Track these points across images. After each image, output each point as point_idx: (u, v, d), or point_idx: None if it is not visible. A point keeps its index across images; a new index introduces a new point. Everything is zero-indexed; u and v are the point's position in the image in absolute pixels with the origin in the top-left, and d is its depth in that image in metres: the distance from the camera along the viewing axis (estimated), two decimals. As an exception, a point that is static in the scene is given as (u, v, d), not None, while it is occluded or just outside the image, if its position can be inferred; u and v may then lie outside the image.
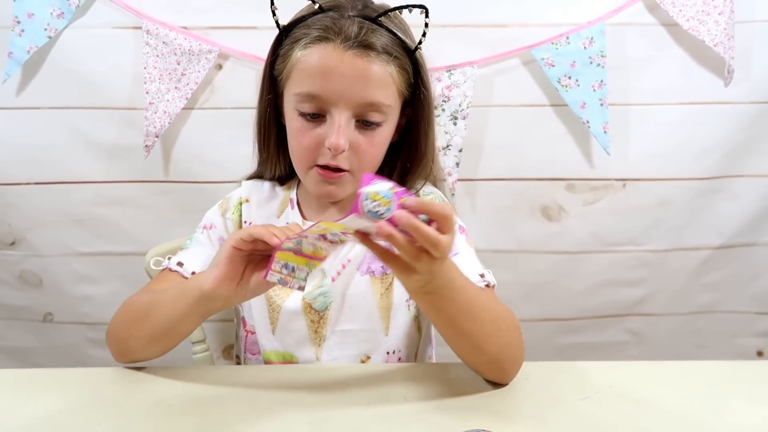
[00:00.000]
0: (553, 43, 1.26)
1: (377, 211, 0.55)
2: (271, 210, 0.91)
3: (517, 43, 1.28)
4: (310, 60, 0.76)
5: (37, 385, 0.75)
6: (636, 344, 1.45)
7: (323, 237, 0.63)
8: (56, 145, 1.35)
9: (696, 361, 0.84)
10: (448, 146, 1.29)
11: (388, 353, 0.86)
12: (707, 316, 1.44)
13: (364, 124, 0.78)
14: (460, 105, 1.27)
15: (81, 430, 0.65)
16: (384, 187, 0.55)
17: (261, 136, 0.89)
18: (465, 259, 0.81)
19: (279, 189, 0.93)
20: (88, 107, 1.33)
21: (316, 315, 0.85)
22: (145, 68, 1.28)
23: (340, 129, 0.76)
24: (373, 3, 0.83)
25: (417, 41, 0.82)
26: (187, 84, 1.29)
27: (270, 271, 0.65)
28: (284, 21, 0.84)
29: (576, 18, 1.26)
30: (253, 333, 0.90)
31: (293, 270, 0.66)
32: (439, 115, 1.28)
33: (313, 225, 0.61)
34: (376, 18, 0.77)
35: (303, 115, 0.78)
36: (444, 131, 1.28)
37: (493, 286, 0.81)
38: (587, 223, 1.36)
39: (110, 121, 1.33)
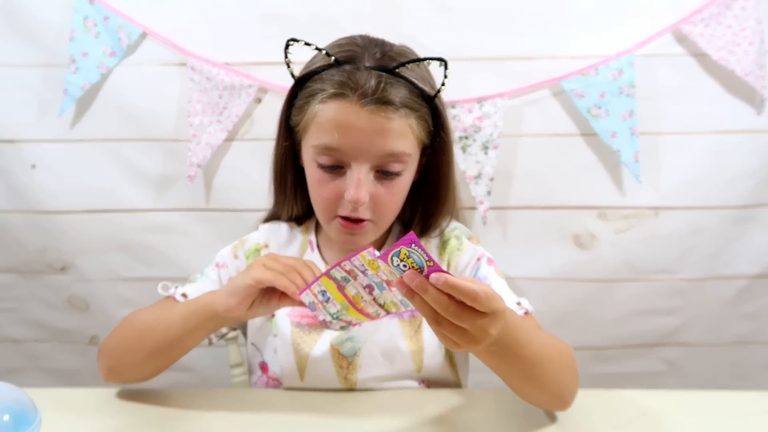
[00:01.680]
0: (582, 74, 1.28)
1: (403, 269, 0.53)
2: (291, 254, 0.90)
3: (546, 74, 1.31)
4: (326, 115, 0.75)
5: (83, 404, 0.79)
6: (672, 374, 1.42)
7: (370, 290, 0.62)
8: (105, 175, 1.42)
9: (735, 392, 0.82)
10: (479, 175, 1.32)
11: (422, 383, 0.86)
12: (745, 346, 1.42)
13: (383, 174, 0.77)
14: (490, 135, 1.30)
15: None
16: (419, 257, 0.51)
17: (278, 179, 0.89)
18: (497, 290, 0.81)
19: (297, 231, 0.92)
20: (136, 139, 1.40)
21: (345, 361, 0.83)
22: (189, 102, 1.35)
23: (359, 183, 0.75)
24: (391, 48, 0.80)
25: (437, 85, 0.80)
26: (228, 117, 1.36)
27: (307, 291, 0.65)
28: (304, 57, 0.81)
29: (604, 50, 1.29)
30: (276, 380, 0.89)
31: (328, 300, 0.65)
32: (470, 145, 1.31)
33: (348, 259, 0.60)
34: (394, 69, 0.75)
35: (322, 166, 0.77)
36: (475, 161, 1.31)
37: (531, 312, 0.81)
38: (619, 250, 1.36)
39: (156, 152, 1.40)
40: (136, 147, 1.41)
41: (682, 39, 1.28)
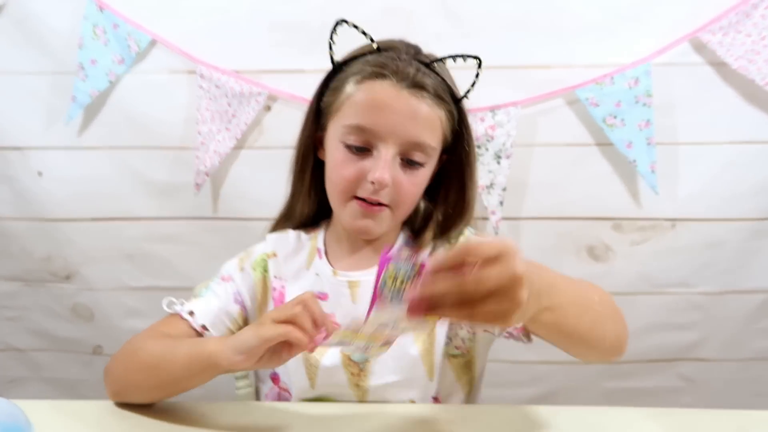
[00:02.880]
0: (597, 83, 1.26)
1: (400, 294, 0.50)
2: (299, 262, 0.88)
3: (560, 83, 1.28)
4: (364, 93, 0.77)
5: (84, 416, 0.76)
6: (690, 391, 1.39)
7: (383, 327, 0.59)
8: (112, 183, 1.40)
9: (755, 411, 0.79)
10: (491, 185, 1.29)
11: (434, 399, 0.84)
12: (765, 362, 1.38)
13: (407, 162, 0.79)
14: (503, 144, 1.28)
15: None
16: (402, 257, 0.50)
17: (297, 167, 0.89)
18: None
19: (305, 238, 0.91)
20: (143, 147, 1.39)
21: (356, 367, 0.82)
22: (197, 110, 1.34)
23: (386, 163, 0.76)
24: (422, 53, 0.84)
25: (463, 91, 0.83)
26: (237, 125, 1.34)
27: (326, 341, 0.64)
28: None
29: (620, 58, 1.27)
30: (286, 390, 0.88)
31: (350, 344, 0.64)
32: (482, 155, 1.29)
33: (342, 330, 0.61)
34: (431, 63, 0.79)
35: (348, 147, 0.79)
36: (487, 170, 1.29)
37: None
38: (635, 263, 1.33)
39: (163, 160, 1.39)
40: (144, 155, 1.39)
41: (700, 48, 1.26)
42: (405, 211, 0.83)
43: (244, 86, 1.32)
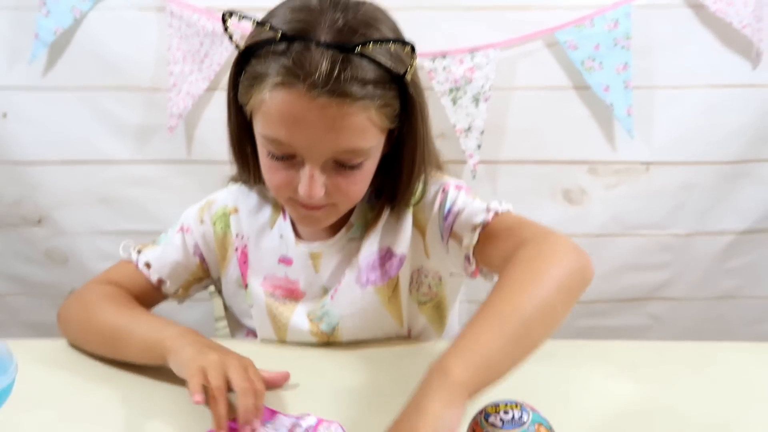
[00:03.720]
0: (577, 25, 1.25)
1: None
2: (262, 220, 0.82)
3: (540, 25, 1.27)
4: (273, 105, 0.63)
5: (60, 354, 0.76)
6: (657, 329, 1.44)
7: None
8: (82, 126, 1.36)
9: (720, 342, 0.82)
10: (469, 128, 1.29)
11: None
12: (730, 301, 1.43)
13: (342, 165, 0.67)
14: (482, 87, 1.27)
15: (107, 398, 0.67)
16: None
17: (236, 151, 0.77)
18: (469, 209, 0.72)
19: (269, 196, 0.83)
20: (113, 88, 1.34)
21: (325, 336, 0.79)
22: (168, 50, 1.30)
23: (312, 179, 0.65)
24: (355, 14, 0.65)
25: (409, 52, 0.65)
26: (210, 65, 1.30)
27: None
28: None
29: (601, 0, 1.25)
30: (256, 336, 0.86)
31: None
32: (461, 97, 1.28)
33: None
34: (352, 50, 0.62)
35: (272, 155, 0.67)
36: (465, 113, 1.28)
37: (508, 211, 0.71)
38: (609, 206, 1.35)
39: (135, 102, 1.35)
40: (114, 96, 1.35)
41: (680, -11, 1.25)
42: (351, 204, 0.74)
43: (216, 24, 1.27)
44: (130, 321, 0.73)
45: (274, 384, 0.69)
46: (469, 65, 1.27)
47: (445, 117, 1.28)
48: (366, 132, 0.65)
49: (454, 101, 1.28)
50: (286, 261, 0.80)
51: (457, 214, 0.72)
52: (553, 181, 1.35)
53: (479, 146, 1.29)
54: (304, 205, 0.70)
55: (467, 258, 0.71)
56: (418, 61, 0.66)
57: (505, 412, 0.52)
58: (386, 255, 0.78)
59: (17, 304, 1.51)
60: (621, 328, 1.42)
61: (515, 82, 1.30)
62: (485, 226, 0.69)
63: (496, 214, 0.70)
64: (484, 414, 0.52)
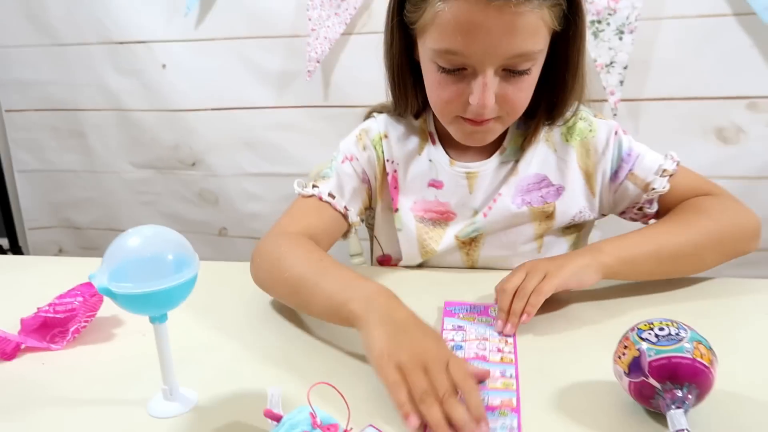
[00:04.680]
0: (740, -58, 1.13)
1: None
2: (411, 146, 0.83)
3: (695, -55, 1.16)
4: (448, 15, 0.65)
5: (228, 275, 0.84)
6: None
7: None
8: (229, 74, 1.46)
9: None
10: (611, 63, 1.22)
11: None
12: None
13: (511, 72, 0.68)
14: (627, 18, 1.19)
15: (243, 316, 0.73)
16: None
17: (394, 80, 0.79)
18: (648, 156, 0.77)
19: (414, 123, 0.84)
20: (257, 36, 1.42)
21: (469, 239, 0.82)
22: (307, -5, 1.34)
23: (486, 87, 0.67)
24: None
25: None
26: (347, 9, 1.33)
27: None
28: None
29: None
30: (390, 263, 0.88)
31: None
32: (603, 30, 1.21)
33: None
34: None
35: (443, 69, 0.69)
36: (608, 47, 1.21)
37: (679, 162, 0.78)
38: (770, 145, 1.23)
39: (276, 49, 1.42)
40: (258, 44, 1.43)
41: None
42: (516, 116, 0.74)
43: (352, -32, 1.30)
44: (316, 274, 0.66)
45: (478, 380, 0.57)
46: (613, -5, 1.19)
47: (587, 53, 1.22)
48: (538, 33, 0.67)
49: (596, 35, 1.21)
50: (436, 184, 0.82)
51: (638, 157, 0.77)
52: (704, 119, 1.24)
53: (622, 82, 1.22)
54: (471, 121, 0.72)
55: (649, 201, 0.77)
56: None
57: (661, 329, 0.50)
58: (543, 182, 0.79)
59: (176, 240, 1.67)
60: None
61: (665, 11, 1.21)
62: (670, 175, 0.77)
63: (678, 164, 0.77)
64: (637, 330, 0.51)
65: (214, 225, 1.61)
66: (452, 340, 0.64)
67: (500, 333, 0.65)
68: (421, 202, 0.82)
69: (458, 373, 0.52)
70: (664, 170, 0.76)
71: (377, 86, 1.32)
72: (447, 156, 0.82)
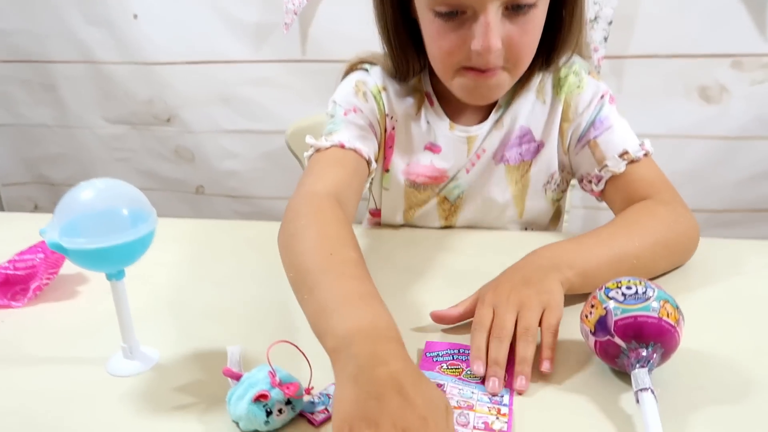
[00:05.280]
0: None
1: None
2: (407, 104, 0.78)
3: None
4: None
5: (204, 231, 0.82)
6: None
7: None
8: (204, 26, 1.41)
9: None
10: (596, 18, 1.19)
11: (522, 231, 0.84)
12: None
13: (515, 9, 0.63)
14: (613, -29, 1.15)
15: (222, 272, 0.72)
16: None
17: (391, 44, 0.74)
18: (619, 132, 0.73)
19: (410, 84, 0.79)
20: (232, -14, 1.37)
21: (448, 204, 0.81)
22: (284, -57, 1.29)
23: (488, 27, 0.62)
24: None
25: None
26: (324, -42, 1.28)
27: None
28: None
29: None
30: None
31: None
32: (588, -16, 1.17)
33: None
34: None
35: (440, 14, 0.65)
36: (592, 1, 1.18)
37: (651, 154, 0.72)
38: (754, 105, 1.21)
39: (252, 0, 1.36)
40: (233, -5, 1.38)
41: None
42: (525, 65, 0.69)
43: None
44: (319, 272, 0.54)
45: None
46: (600, -53, 1.16)
47: None
48: None
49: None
50: (433, 149, 0.78)
51: (608, 129, 0.73)
52: (688, 77, 1.22)
53: (606, 38, 1.19)
54: (477, 71, 0.67)
55: (597, 178, 0.73)
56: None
57: (628, 287, 0.50)
58: (525, 137, 0.77)
59: (150, 199, 1.64)
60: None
61: (652, -36, 1.17)
62: (632, 161, 0.72)
63: (646, 155, 0.72)
64: (604, 289, 0.50)
65: (191, 183, 1.58)
66: None
67: (493, 395, 0.48)
68: (415, 165, 0.79)
69: None
70: (626, 153, 0.71)
71: (356, 40, 1.28)
72: (447, 119, 0.78)
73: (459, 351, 0.54)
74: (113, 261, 0.50)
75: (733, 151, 1.25)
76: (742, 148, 1.24)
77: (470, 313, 0.56)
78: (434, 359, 0.53)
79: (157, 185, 1.61)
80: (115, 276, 0.51)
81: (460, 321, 0.57)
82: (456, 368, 0.51)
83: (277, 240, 0.62)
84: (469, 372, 0.51)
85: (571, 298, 0.58)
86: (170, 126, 1.53)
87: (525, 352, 0.50)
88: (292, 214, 0.63)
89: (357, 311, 0.48)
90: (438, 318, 0.58)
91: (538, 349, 0.51)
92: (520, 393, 0.48)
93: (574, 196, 1.15)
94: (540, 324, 0.52)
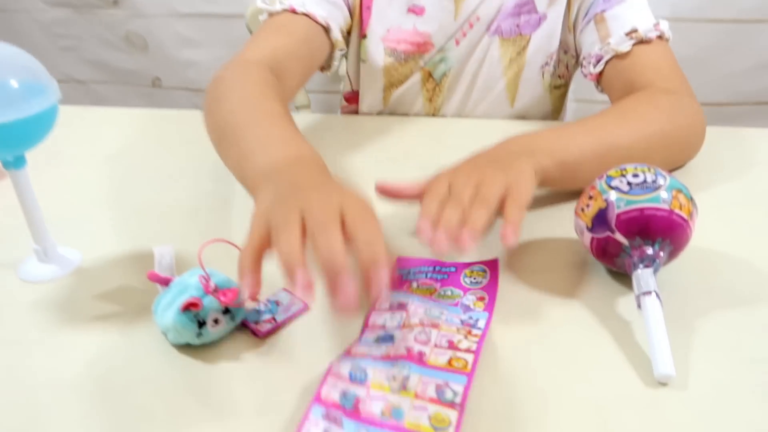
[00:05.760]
0: None
1: None
2: None
3: None
4: None
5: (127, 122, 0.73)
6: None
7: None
8: None
9: None
10: None
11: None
12: None
13: None
14: None
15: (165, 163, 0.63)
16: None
17: None
18: (634, 7, 0.62)
19: None
20: None
21: (433, 83, 0.73)
22: None
23: None
24: None
25: None
26: None
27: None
28: None
29: None
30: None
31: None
32: None
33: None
34: None
35: None
36: None
37: (667, 39, 0.62)
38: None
39: None
40: None
41: None
42: None
43: None
44: (245, 122, 0.50)
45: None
46: None
47: None
48: None
49: None
50: (416, 10, 0.69)
51: (620, 1, 0.63)
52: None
53: None
54: None
55: (597, 58, 0.63)
56: None
57: (635, 176, 0.42)
58: (526, 5, 0.68)
59: (102, 92, 1.51)
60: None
61: None
62: (640, 42, 0.61)
63: (660, 37, 0.61)
64: (606, 178, 0.42)
65: (146, 75, 1.45)
66: (382, 327, 0.39)
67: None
68: (396, 30, 0.70)
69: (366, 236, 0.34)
70: (635, 31, 0.61)
71: None
72: None
73: (434, 269, 0.45)
74: (5, 144, 0.40)
75: (743, 36, 1.14)
76: (753, 32, 1.13)
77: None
78: (404, 277, 0.44)
79: (109, 77, 1.48)
80: (13, 164, 0.42)
81: (411, 199, 0.45)
82: (429, 287, 0.43)
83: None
84: (442, 293, 0.42)
85: (562, 195, 0.50)
86: (118, 9, 1.37)
87: (475, 217, 0.39)
88: (216, 81, 0.57)
89: (281, 147, 0.45)
90: (384, 190, 0.46)
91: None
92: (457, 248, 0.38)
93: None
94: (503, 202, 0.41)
